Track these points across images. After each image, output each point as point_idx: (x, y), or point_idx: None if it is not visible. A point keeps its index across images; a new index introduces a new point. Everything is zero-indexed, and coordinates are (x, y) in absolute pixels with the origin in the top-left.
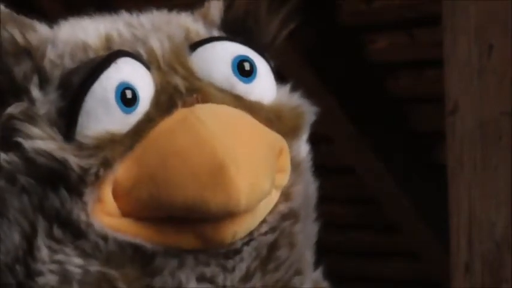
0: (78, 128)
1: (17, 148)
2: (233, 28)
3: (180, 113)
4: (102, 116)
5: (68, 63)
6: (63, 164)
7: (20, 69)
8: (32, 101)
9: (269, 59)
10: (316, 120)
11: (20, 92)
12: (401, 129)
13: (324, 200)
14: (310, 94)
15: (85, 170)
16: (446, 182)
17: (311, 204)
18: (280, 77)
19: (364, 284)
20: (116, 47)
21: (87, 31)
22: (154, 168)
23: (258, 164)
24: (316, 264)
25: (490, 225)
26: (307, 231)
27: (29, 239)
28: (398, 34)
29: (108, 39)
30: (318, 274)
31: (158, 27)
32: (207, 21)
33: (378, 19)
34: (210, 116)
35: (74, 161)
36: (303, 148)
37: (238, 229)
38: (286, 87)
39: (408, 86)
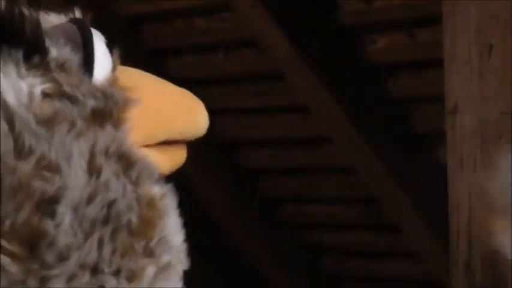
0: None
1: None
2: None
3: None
4: (105, 62)
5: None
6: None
7: None
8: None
9: None
10: (316, 120)
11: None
12: (402, 129)
13: (324, 200)
14: (310, 94)
15: (116, 100)
16: (446, 182)
17: None
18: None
19: (364, 284)
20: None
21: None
22: (152, 106)
23: None
24: None
25: (490, 225)
26: None
27: None
28: (398, 34)
29: None
30: None
31: None
32: None
33: (378, 19)
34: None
35: (116, 95)
36: None
37: None
38: None
39: (408, 86)
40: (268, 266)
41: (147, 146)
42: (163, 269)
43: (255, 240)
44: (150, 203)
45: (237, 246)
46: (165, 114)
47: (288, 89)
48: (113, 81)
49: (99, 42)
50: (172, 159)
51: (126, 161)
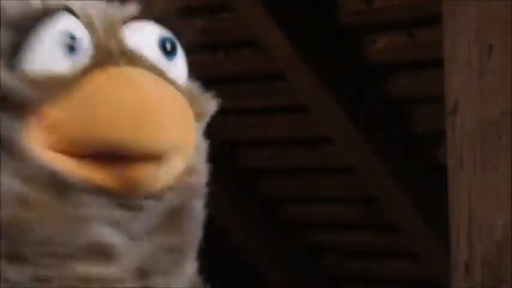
0: (23, 64)
1: None
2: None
3: (114, 69)
4: (45, 55)
5: (14, 11)
6: (6, 91)
7: None
8: None
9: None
10: (316, 120)
11: None
12: (401, 129)
13: (324, 200)
14: (310, 94)
15: (27, 99)
16: (446, 182)
17: (203, 192)
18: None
19: (364, 284)
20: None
21: None
22: (88, 108)
23: (179, 118)
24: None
25: (490, 225)
26: (200, 212)
27: None
28: (398, 34)
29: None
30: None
31: (92, 3)
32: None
33: (378, 19)
34: (141, 75)
35: (17, 89)
36: (201, 136)
37: (158, 175)
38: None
39: (408, 86)
40: (268, 266)
41: (73, 153)
42: None
43: (255, 240)
44: (23, 202)
45: (237, 246)
46: (101, 121)
47: (288, 89)
48: (48, 78)
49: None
50: (111, 178)
51: (16, 155)
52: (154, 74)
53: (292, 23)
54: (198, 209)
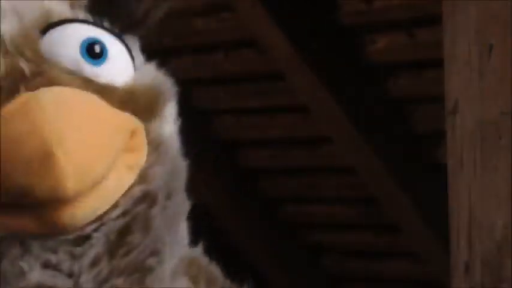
0: None
1: None
2: (99, 9)
3: (21, 98)
4: None
5: None
6: None
7: None
8: None
9: (131, 40)
10: (316, 120)
11: None
12: (401, 129)
13: (324, 200)
14: (310, 94)
15: None
16: (446, 182)
17: (177, 185)
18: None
19: (364, 284)
20: None
21: None
22: None
23: (91, 147)
24: (194, 243)
25: (490, 225)
26: (169, 213)
27: None
28: (398, 34)
29: None
30: (198, 250)
31: (15, 10)
32: (73, 4)
33: (378, 19)
34: (49, 101)
35: None
36: (166, 129)
37: (75, 214)
38: (151, 66)
39: (408, 86)
40: (268, 266)
41: None
42: None
43: (255, 240)
44: None
45: (237, 246)
46: (3, 168)
47: (288, 89)
48: None
49: None
50: (34, 224)
51: None
52: (77, 86)
53: (292, 23)
54: (157, 214)
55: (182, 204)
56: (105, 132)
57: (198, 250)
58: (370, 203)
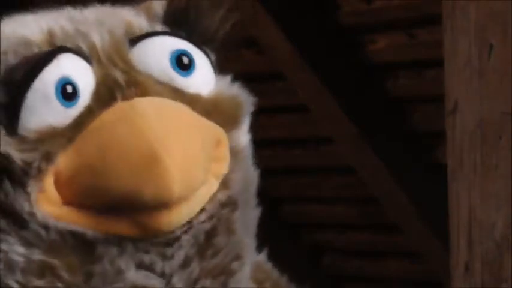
0: (21, 123)
1: None
2: (175, 21)
3: (119, 106)
4: (43, 110)
5: (11, 59)
6: (6, 158)
7: None
8: None
9: (209, 52)
10: (316, 120)
11: None
12: (401, 129)
13: (324, 200)
14: (310, 94)
15: (28, 164)
16: (446, 182)
17: (251, 191)
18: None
19: (364, 284)
20: (58, 42)
21: (30, 27)
22: (93, 159)
23: (192, 154)
24: (259, 248)
25: (490, 225)
26: (246, 218)
27: None
28: (398, 34)
29: (50, 35)
30: (262, 256)
31: (101, 22)
32: (150, 16)
33: (378, 19)
34: (148, 109)
35: (16, 155)
36: (243, 137)
37: (174, 218)
38: (227, 79)
39: (408, 86)
40: None
41: (88, 205)
42: None
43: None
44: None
45: None
46: (107, 172)
47: (288, 89)
48: (47, 134)
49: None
50: (130, 227)
51: (32, 225)
52: (167, 96)
53: (292, 23)
54: (238, 218)
55: (255, 211)
56: (199, 140)
57: (262, 255)
58: (370, 203)
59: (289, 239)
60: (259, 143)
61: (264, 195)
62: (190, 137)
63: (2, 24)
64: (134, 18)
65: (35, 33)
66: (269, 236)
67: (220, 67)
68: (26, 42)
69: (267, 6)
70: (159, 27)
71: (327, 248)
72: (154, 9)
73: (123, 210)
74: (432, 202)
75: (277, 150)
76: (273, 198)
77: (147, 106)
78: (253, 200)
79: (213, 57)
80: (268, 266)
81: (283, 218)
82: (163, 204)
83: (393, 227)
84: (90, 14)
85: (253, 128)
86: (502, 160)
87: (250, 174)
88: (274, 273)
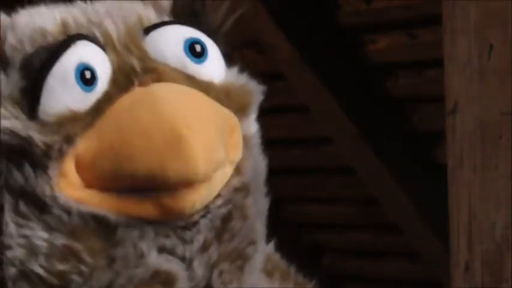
0: (41, 107)
1: None
2: (182, 13)
3: (137, 91)
4: (63, 95)
5: (28, 47)
6: (27, 141)
7: None
8: None
9: (218, 42)
10: (316, 120)
11: None
12: (402, 129)
13: (324, 200)
14: (310, 94)
15: (49, 146)
16: (446, 182)
17: (261, 179)
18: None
19: (364, 284)
20: (72, 32)
21: (44, 18)
22: (115, 141)
23: (212, 135)
24: (268, 237)
25: (490, 225)
26: (257, 204)
27: None
28: (398, 34)
29: (64, 25)
30: (270, 247)
31: (111, 12)
32: (157, 8)
33: (378, 19)
34: (166, 93)
35: (38, 137)
36: (252, 125)
37: (196, 199)
38: (234, 69)
39: (408, 86)
40: None
41: (109, 188)
42: None
43: None
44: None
45: None
46: (128, 154)
47: (288, 89)
48: (68, 118)
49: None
50: (152, 209)
51: (53, 208)
52: (182, 83)
53: (292, 23)
54: (251, 204)
55: (265, 199)
56: (217, 123)
57: (271, 246)
58: (370, 203)
59: (289, 239)
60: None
61: None
62: (208, 119)
63: (17, 15)
64: (142, 10)
65: (49, 24)
66: (269, 236)
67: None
68: (42, 32)
69: (267, 6)
70: (167, 18)
71: (327, 248)
72: (161, 3)
73: (146, 192)
74: (432, 202)
75: (277, 150)
76: (273, 198)
77: (164, 90)
78: (262, 188)
79: (221, 47)
80: (277, 256)
81: (283, 218)
82: (187, 184)
83: (393, 227)
84: (101, 7)
85: None
86: (502, 160)
87: (260, 162)
88: (283, 263)
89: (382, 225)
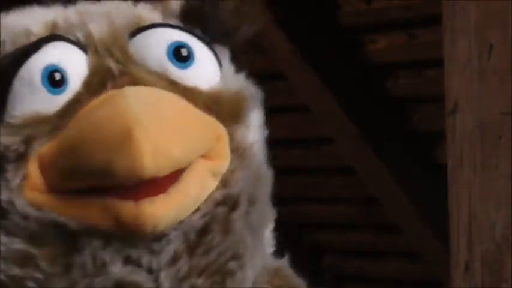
0: (7, 110)
1: None
2: (191, 17)
3: (108, 93)
4: (29, 97)
5: (10, 49)
6: None
7: None
8: None
9: (215, 46)
10: (316, 120)
11: None
12: (402, 129)
13: (324, 200)
14: (310, 94)
15: (6, 147)
16: (446, 182)
17: (262, 190)
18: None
19: (364, 284)
20: (59, 33)
21: (34, 18)
22: (73, 139)
23: (171, 132)
24: (280, 254)
25: (490, 225)
26: (251, 218)
27: None
28: (398, 34)
29: (54, 25)
30: (282, 262)
31: (107, 14)
32: (165, 12)
33: (378, 19)
34: (132, 93)
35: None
36: (250, 134)
37: (160, 217)
38: (241, 76)
39: (408, 86)
40: None
41: (70, 190)
42: None
43: None
44: None
45: None
46: (83, 150)
47: (288, 89)
48: (32, 121)
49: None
50: (117, 220)
51: (13, 213)
52: (162, 87)
53: (292, 23)
54: (238, 218)
55: (266, 213)
56: (189, 127)
57: (284, 261)
58: (370, 203)
59: (289, 238)
60: None
61: None
62: (173, 121)
63: (5, 15)
64: (147, 13)
65: (36, 24)
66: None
67: (236, 65)
68: (26, 33)
69: (267, 6)
70: (171, 22)
71: (327, 248)
72: (171, 4)
73: (107, 198)
74: (432, 202)
75: (278, 150)
76: (273, 198)
77: (135, 92)
78: (264, 201)
79: (226, 54)
80: (289, 272)
81: (283, 217)
82: (136, 179)
83: (393, 227)
84: (102, 7)
85: None
86: (502, 160)
87: (261, 174)
88: (295, 280)
89: (382, 225)
